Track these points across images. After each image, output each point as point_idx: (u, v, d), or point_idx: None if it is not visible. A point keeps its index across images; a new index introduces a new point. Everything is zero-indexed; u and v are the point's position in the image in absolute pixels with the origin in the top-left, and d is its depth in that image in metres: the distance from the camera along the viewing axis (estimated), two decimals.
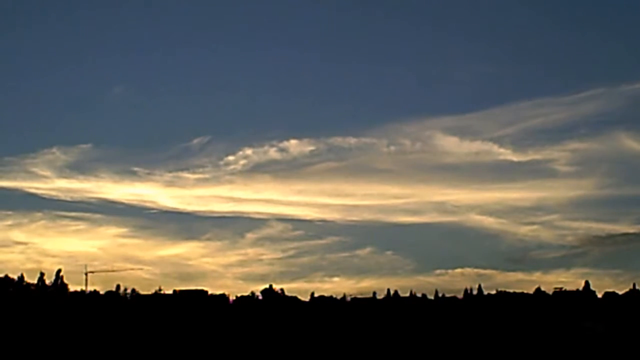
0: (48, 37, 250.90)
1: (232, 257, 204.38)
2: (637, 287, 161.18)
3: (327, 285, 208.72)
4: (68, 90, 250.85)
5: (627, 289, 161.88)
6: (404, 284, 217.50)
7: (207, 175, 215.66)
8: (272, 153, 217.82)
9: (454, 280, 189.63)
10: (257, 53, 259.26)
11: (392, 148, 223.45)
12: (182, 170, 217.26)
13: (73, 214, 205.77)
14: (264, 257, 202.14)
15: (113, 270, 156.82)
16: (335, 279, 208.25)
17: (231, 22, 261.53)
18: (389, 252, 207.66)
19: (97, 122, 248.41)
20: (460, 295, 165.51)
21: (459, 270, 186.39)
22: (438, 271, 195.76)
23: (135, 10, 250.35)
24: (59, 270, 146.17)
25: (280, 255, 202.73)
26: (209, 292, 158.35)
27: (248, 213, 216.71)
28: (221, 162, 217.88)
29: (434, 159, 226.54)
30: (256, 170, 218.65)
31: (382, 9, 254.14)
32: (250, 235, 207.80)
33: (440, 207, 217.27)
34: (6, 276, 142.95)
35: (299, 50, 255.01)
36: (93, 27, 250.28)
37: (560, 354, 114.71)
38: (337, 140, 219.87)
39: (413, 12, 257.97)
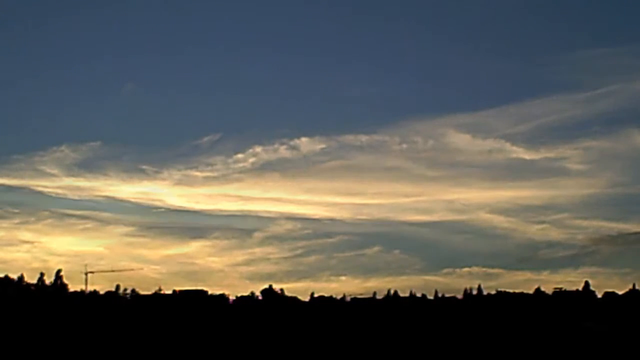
0: (58, 36, 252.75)
1: (239, 256, 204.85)
2: (637, 287, 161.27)
3: (333, 285, 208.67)
4: (78, 88, 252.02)
5: (627, 289, 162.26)
6: (411, 283, 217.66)
7: (215, 174, 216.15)
8: (282, 151, 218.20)
9: (462, 280, 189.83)
10: (267, 52, 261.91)
11: (404, 146, 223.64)
12: (191, 168, 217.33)
13: (80, 212, 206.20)
14: (271, 256, 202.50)
15: (113, 270, 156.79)
16: (342, 277, 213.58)
17: (242, 22, 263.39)
18: (396, 251, 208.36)
19: (107, 119, 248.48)
20: (460, 295, 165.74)
21: (466, 269, 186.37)
22: (446, 270, 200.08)
23: (146, 10, 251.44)
24: (59, 271, 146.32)
25: (288, 254, 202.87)
26: (209, 292, 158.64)
27: (256, 212, 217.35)
28: (230, 160, 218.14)
29: (445, 157, 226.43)
30: (265, 168, 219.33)
31: (392, 7, 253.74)
32: (258, 234, 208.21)
33: (450, 206, 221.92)
34: (6, 276, 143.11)
35: (310, 48, 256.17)
36: (104, 25, 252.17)
37: (560, 354, 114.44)
38: (349, 139, 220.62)
39: (425, 10, 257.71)
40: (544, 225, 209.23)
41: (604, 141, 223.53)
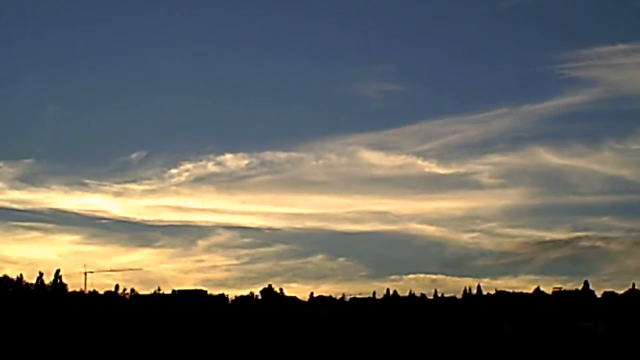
0: None
1: (189, 263, 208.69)
2: (636, 287, 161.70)
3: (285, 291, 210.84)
4: (3, 109, 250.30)
5: (626, 289, 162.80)
6: (363, 289, 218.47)
7: (154, 187, 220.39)
8: (211, 167, 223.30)
9: (409, 286, 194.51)
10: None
11: (321, 162, 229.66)
12: (128, 182, 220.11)
13: (27, 224, 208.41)
14: (220, 263, 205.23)
15: (112, 270, 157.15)
16: (293, 285, 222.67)
17: (162, 37, 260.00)
18: (341, 259, 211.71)
19: (35, 139, 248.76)
20: (460, 295, 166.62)
21: (412, 276, 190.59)
22: (393, 277, 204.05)
23: (66, 31, 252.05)
24: (58, 271, 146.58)
25: (235, 262, 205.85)
26: (209, 292, 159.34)
27: (196, 222, 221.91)
28: (165, 175, 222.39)
29: (363, 172, 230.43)
30: (199, 182, 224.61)
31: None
32: (202, 243, 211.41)
33: (382, 217, 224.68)
34: (5, 276, 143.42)
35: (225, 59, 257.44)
36: (28, 49, 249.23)
37: (560, 354, 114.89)
38: (269, 155, 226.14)
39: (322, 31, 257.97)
40: (475, 234, 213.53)
41: (511, 157, 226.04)
